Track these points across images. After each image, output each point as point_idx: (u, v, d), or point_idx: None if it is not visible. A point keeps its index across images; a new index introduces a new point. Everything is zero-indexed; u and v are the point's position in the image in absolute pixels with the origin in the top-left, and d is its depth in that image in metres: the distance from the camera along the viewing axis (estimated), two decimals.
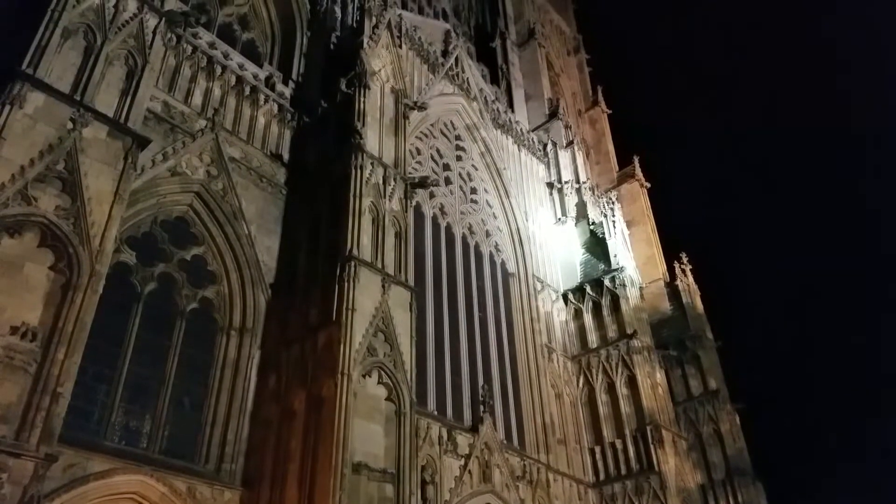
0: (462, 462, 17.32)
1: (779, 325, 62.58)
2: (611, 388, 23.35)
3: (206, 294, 15.34)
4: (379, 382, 14.27)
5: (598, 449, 22.41)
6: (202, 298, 15.24)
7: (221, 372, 14.65)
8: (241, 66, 18.52)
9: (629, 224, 29.46)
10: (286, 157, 18.36)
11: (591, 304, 25.31)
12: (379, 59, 19.77)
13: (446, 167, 24.71)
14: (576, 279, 26.35)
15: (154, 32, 14.12)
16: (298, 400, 13.98)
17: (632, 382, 23.09)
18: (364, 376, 13.94)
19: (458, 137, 26.05)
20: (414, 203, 19.30)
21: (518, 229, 25.94)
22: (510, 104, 31.70)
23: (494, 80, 32.08)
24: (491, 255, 24.63)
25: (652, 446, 21.50)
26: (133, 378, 13.23)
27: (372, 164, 17.20)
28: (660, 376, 24.24)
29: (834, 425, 53.76)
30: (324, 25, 21.67)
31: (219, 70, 17.79)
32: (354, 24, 21.25)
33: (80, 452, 11.41)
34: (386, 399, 14.23)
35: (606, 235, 26.60)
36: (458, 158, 25.61)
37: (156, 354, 13.88)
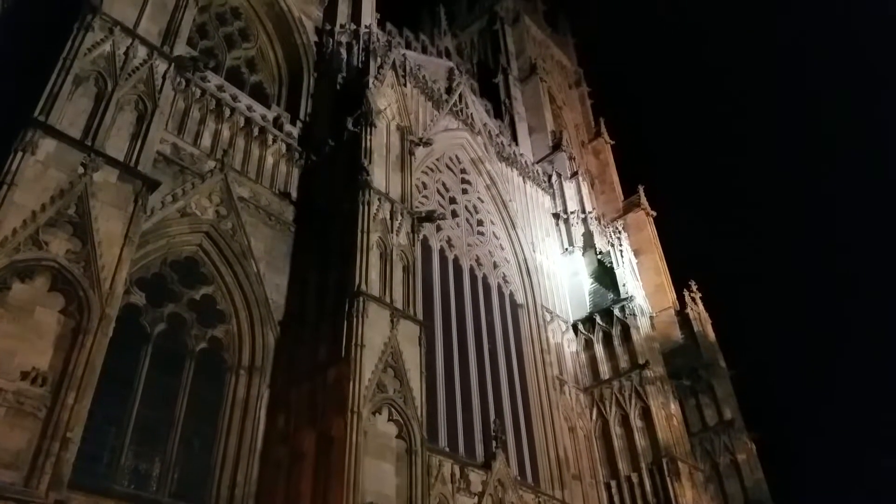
0: (475, 500, 16.98)
1: (793, 350, 61.74)
2: (625, 421, 23.00)
3: (215, 333, 15.25)
4: (389, 420, 14.07)
5: (613, 483, 21.95)
6: (211, 338, 15.15)
7: (231, 412, 14.48)
8: (249, 108, 18.76)
9: (637, 253, 29.44)
10: (294, 195, 18.49)
11: (601, 334, 25.16)
12: (384, 98, 20.06)
13: (452, 200, 24.89)
14: (585, 309, 26.26)
15: (164, 77, 14.26)
16: (308, 440, 13.77)
17: (646, 414, 22.77)
18: (374, 414, 13.76)
19: (463, 171, 26.29)
20: (421, 237, 19.35)
21: (525, 260, 25.98)
22: (514, 137, 32.05)
23: (498, 115, 32.47)
24: (499, 287, 24.59)
25: (668, 479, 21.07)
26: (142, 420, 13.07)
27: (379, 199, 17.29)
28: (674, 407, 23.92)
29: (853, 454, 52.51)
30: (330, 67, 21.99)
31: (227, 112, 18.00)
32: (360, 65, 21.57)
33: (89, 498, 11.19)
34: (396, 437, 14.01)
35: (614, 264, 26.58)
36: (464, 192, 25.81)
37: (165, 395, 13.73)
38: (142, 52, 14.14)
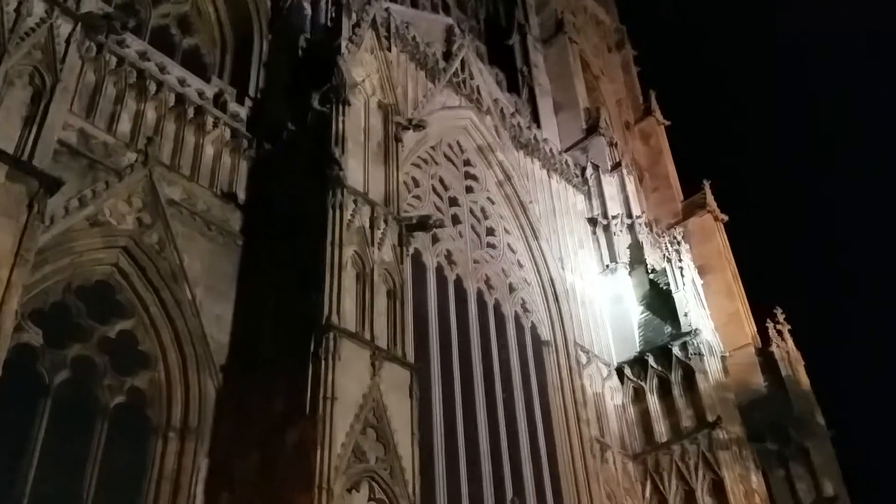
0: None
1: None
2: (689, 498, 22.91)
3: (136, 383, 15.28)
4: (370, 499, 14.05)
5: None
6: (131, 389, 15.18)
7: (157, 488, 14.43)
8: (181, 82, 18.94)
9: (702, 270, 29.40)
10: (242, 196, 18.68)
11: (655, 381, 25.18)
12: (362, 67, 20.26)
13: (453, 202, 25.05)
14: (634, 347, 26.31)
15: (67, 42, 14.42)
16: None
17: (718, 489, 22.68)
18: (350, 491, 13.73)
19: (467, 163, 26.48)
20: (411, 251, 19.54)
21: (552, 281, 26.11)
22: (535, 117, 32.26)
23: (513, 88, 32.73)
24: (516, 317, 24.70)
25: None
26: (39, 499, 13.06)
27: (355, 201, 17.46)
28: (755, 480, 23.84)
29: None
30: (289, 26, 22.29)
31: (153, 87, 18.17)
32: (329, 24, 21.88)
33: None
34: None
35: (672, 286, 26.64)
36: (469, 190, 25.99)
37: (69, 466, 13.72)
38: (39, 8, 14.30)
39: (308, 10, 22.80)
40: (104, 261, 15.80)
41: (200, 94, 19.21)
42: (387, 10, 23.82)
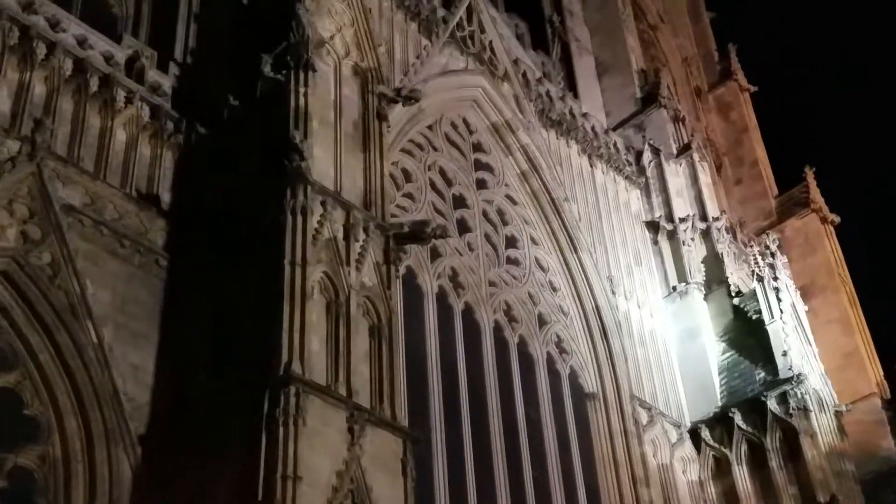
0: None
1: None
2: None
3: (20, 461, 15.07)
4: None
5: None
6: (15, 470, 14.93)
7: None
8: (81, 42, 18.99)
9: (807, 292, 29.38)
10: (167, 199, 18.75)
11: (745, 447, 25.21)
12: (330, 18, 20.34)
13: (459, 202, 25.12)
14: (713, 401, 26.37)
15: None
16: None
17: None
18: None
19: (478, 147, 26.58)
20: (402, 271, 19.59)
21: (598, 310, 26.16)
22: (570, 84, 32.50)
23: (540, 44, 32.94)
24: (549, 361, 24.75)
25: None
26: None
27: (324, 203, 17.52)
28: None
29: None
30: None
31: (41, 50, 18.11)
32: None
33: None
34: None
35: (765, 315, 26.67)
36: (481, 185, 26.09)
37: None
38: None
39: None
40: None
41: (108, 59, 19.20)
42: None
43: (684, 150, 31.52)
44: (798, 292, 28.15)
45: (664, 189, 30.41)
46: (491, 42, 27.83)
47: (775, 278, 27.11)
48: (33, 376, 15.76)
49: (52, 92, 18.09)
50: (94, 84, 18.68)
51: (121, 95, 18.95)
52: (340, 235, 17.48)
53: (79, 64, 18.63)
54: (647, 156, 31.02)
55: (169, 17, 21.98)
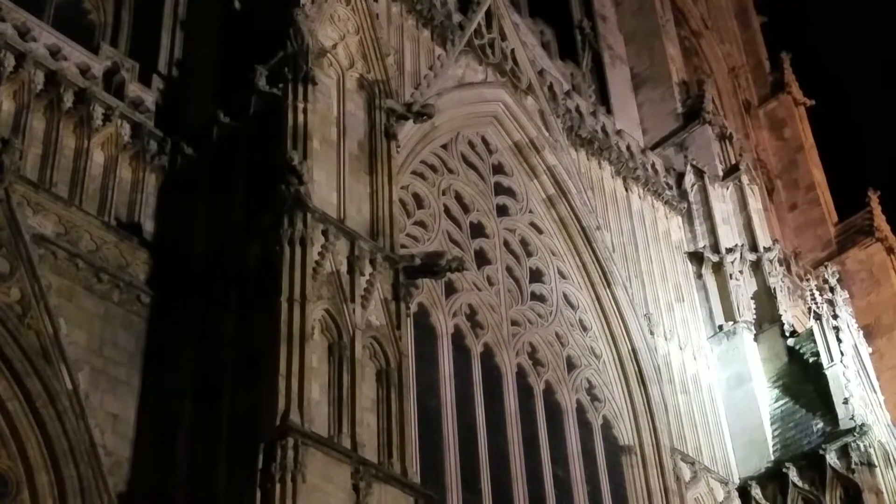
0: None
1: None
2: None
3: None
4: None
5: None
6: None
7: None
8: (54, 53, 19.06)
9: (871, 332, 29.16)
10: (149, 228, 18.79)
11: None
12: (333, 26, 20.37)
13: (478, 230, 25.05)
14: (766, 455, 26.21)
15: None
16: None
17: None
18: None
19: (498, 169, 26.58)
20: (414, 308, 19.56)
21: (634, 352, 26.12)
22: (603, 98, 32.45)
23: (569, 53, 32.91)
24: (580, 409, 24.63)
25: None
26: None
27: (325, 233, 17.47)
28: None
29: None
30: None
31: (10, 61, 18.11)
32: None
33: None
34: None
35: (823, 358, 26.45)
36: (502, 212, 26.02)
37: None
38: None
39: None
40: None
41: (84, 72, 19.23)
42: None
43: (731, 171, 31.47)
44: (861, 332, 27.87)
45: (709, 216, 30.39)
46: (513, 51, 27.86)
47: (835, 316, 26.87)
48: (0, 427, 15.59)
49: (21, 108, 18.09)
50: (68, 99, 18.68)
51: (98, 112, 18.95)
52: (344, 269, 17.40)
53: (51, 77, 18.62)
54: (689, 178, 31.04)
55: (152, 24, 22.09)
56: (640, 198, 29.68)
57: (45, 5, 21.02)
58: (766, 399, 27.10)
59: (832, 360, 26.11)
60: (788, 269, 30.78)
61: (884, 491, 24.26)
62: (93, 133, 18.82)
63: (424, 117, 22.30)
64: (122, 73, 19.84)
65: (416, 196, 23.54)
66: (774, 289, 28.92)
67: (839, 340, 26.31)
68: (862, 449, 24.52)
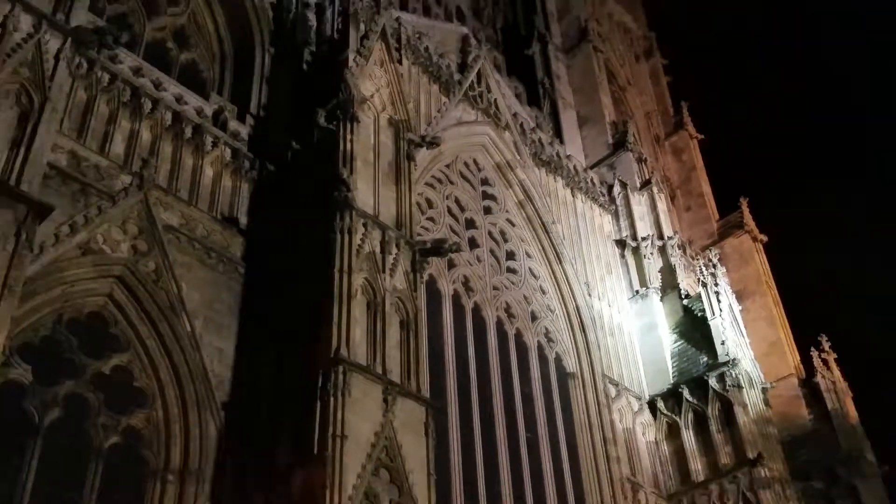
0: None
1: None
2: None
3: (132, 422, 15.25)
4: None
5: None
6: (126, 429, 15.13)
7: None
8: (178, 99, 19.03)
9: (740, 296, 29.38)
10: (244, 221, 18.72)
11: (691, 415, 25.06)
12: (371, 81, 20.36)
13: (470, 224, 25.13)
14: (667, 379, 26.22)
15: (57, 58, 14.47)
16: None
17: None
18: None
19: (485, 181, 26.58)
20: (426, 277, 19.55)
21: (577, 309, 26.10)
22: (557, 132, 32.37)
23: (534, 101, 32.89)
24: (539, 347, 24.69)
25: None
26: None
27: (365, 225, 17.50)
28: None
29: None
30: (293, 38, 22.45)
31: (148, 105, 18.22)
32: (335, 35, 21.97)
33: None
34: None
35: (708, 313, 26.54)
36: (488, 211, 26.08)
37: None
38: (25, 22, 14.38)
39: (313, 22, 22.91)
40: (97, 291, 15.81)
41: (199, 112, 19.27)
42: (397, 19, 23.95)
43: (646, 184, 31.41)
44: (733, 295, 28.07)
45: (630, 215, 30.24)
46: (495, 99, 27.90)
47: (716, 284, 27.00)
48: (142, 357, 15.93)
49: (155, 138, 18.18)
50: (188, 131, 18.75)
51: (209, 140, 19.01)
52: (378, 250, 17.48)
53: (176, 116, 18.71)
54: (616, 188, 30.89)
55: (246, 79, 22.00)
56: (582, 202, 29.65)
57: (172, 67, 21.08)
58: (668, 341, 27.21)
59: (714, 315, 26.20)
60: (684, 252, 30.88)
61: (748, 405, 24.51)
62: (205, 155, 18.90)
63: (434, 145, 22.56)
64: (226, 113, 19.89)
65: (427, 200, 23.69)
66: (674, 266, 28.97)
67: (719, 301, 26.42)
68: (734, 376, 24.72)
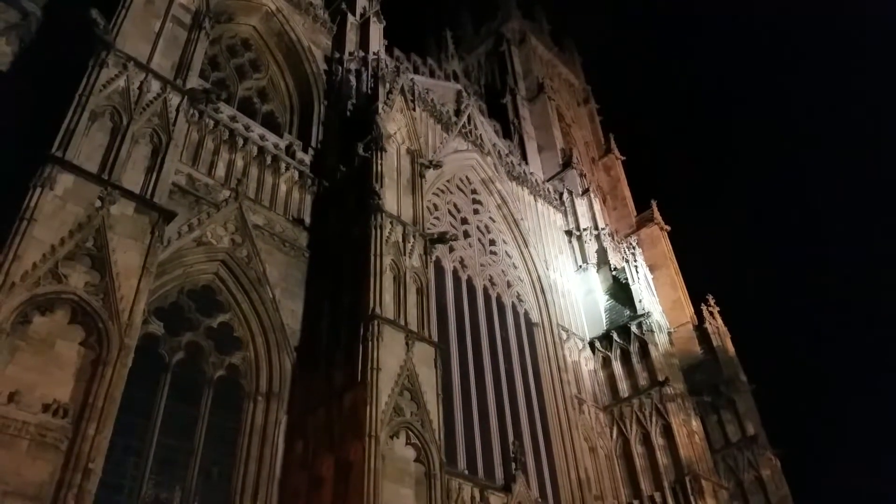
0: None
1: (815, 361, 60.74)
2: (646, 439, 22.74)
3: (232, 360, 15.32)
4: (407, 443, 13.98)
5: (636, 503, 21.61)
6: (229, 365, 15.21)
7: (249, 439, 14.46)
8: (262, 137, 18.97)
9: (652, 268, 29.32)
10: (308, 221, 18.62)
11: (619, 351, 25.00)
12: (394, 123, 20.26)
13: (464, 221, 25.04)
14: (602, 327, 26.13)
15: (177, 110, 14.47)
16: (326, 466, 13.71)
17: (667, 432, 22.55)
18: (392, 437, 13.67)
19: (474, 191, 26.46)
20: (434, 258, 19.43)
21: (539, 278, 25.99)
22: (524, 156, 32.22)
23: (507, 135, 32.72)
24: (513, 306, 24.60)
25: (692, 497, 20.78)
26: (162, 450, 13.11)
27: (391, 222, 17.37)
28: (696, 424, 23.66)
29: (879, 466, 51.38)
30: (340, 94, 22.28)
31: (241, 142, 18.19)
32: (369, 91, 21.85)
33: None
34: (415, 461, 13.89)
35: (630, 280, 26.48)
36: (476, 212, 25.96)
37: (184, 424, 13.78)
38: (155, 86, 14.38)
39: (353, 82, 22.80)
40: (207, 271, 15.87)
41: (276, 146, 19.23)
42: (412, 80, 23.82)
43: (585, 191, 31.29)
44: (647, 268, 28.00)
45: (575, 212, 30.11)
46: (481, 135, 27.78)
47: (635, 261, 27.04)
48: (239, 316, 16.00)
49: (246, 164, 18.13)
50: (268, 159, 18.69)
51: (283, 166, 18.92)
52: (400, 239, 17.32)
53: (260, 149, 18.64)
54: (566, 195, 30.81)
55: (308, 123, 21.80)
56: (541, 205, 29.57)
57: (257, 115, 20.93)
58: (602, 300, 27.16)
59: (634, 282, 26.26)
60: (612, 238, 30.80)
61: (658, 344, 24.58)
62: (280, 176, 18.79)
63: (438, 167, 22.41)
64: (294, 147, 19.79)
65: (434, 204, 23.62)
66: (606, 248, 28.94)
67: (637, 272, 26.49)
68: (648, 324, 24.87)
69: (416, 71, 27.67)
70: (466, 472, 17.86)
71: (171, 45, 15.31)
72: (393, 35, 26.86)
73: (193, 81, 15.53)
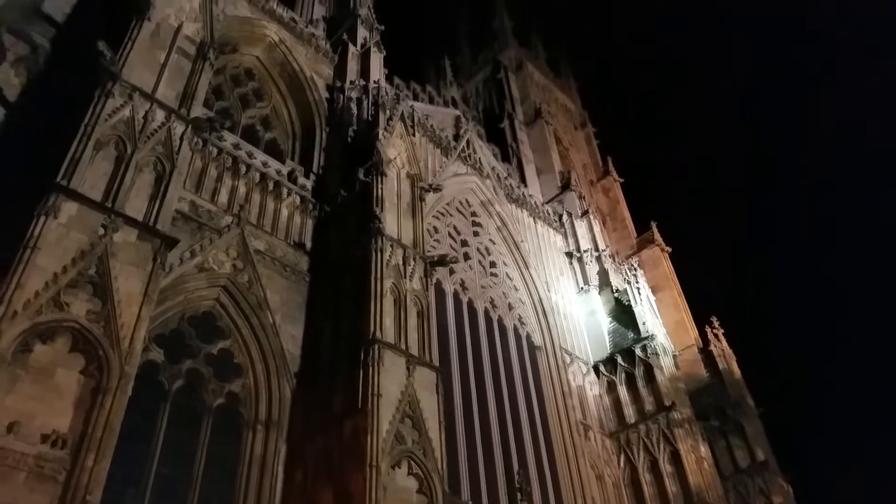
0: None
1: (824, 383, 60.14)
2: (654, 466, 22.50)
3: (232, 388, 15.21)
4: (409, 474, 13.75)
5: None
6: (229, 393, 15.10)
7: (248, 469, 14.28)
8: (264, 164, 19.08)
9: (654, 290, 29.24)
10: (309, 245, 18.61)
11: (624, 375, 24.82)
12: (394, 148, 20.36)
13: (464, 243, 25.10)
14: (605, 350, 25.97)
15: (181, 139, 14.58)
16: (326, 496, 13.46)
17: (675, 458, 22.30)
18: (393, 467, 13.46)
19: (473, 214, 26.56)
20: (434, 281, 19.38)
21: (540, 300, 25.94)
22: (522, 179, 32.39)
23: (506, 158, 32.94)
24: (515, 329, 24.51)
25: None
26: (161, 480, 12.97)
27: (391, 246, 17.33)
28: (704, 450, 23.33)
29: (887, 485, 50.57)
30: (341, 121, 22.48)
31: (243, 169, 18.29)
32: (370, 118, 22.05)
33: None
34: (417, 492, 13.63)
35: (632, 302, 26.37)
36: (476, 234, 26.05)
37: (183, 453, 13.65)
38: (160, 115, 14.53)
39: (354, 110, 23.03)
40: (209, 297, 15.87)
41: (278, 172, 19.32)
42: (411, 106, 24.07)
43: (584, 213, 31.36)
44: (650, 289, 27.98)
45: (574, 234, 30.15)
46: (480, 158, 27.94)
47: (637, 282, 26.98)
48: (239, 341, 15.92)
49: (249, 190, 18.22)
50: (270, 185, 18.76)
51: (285, 191, 19.00)
52: (401, 262, 17.23)
53: (263, 175, 18.74)
54: (565, 217, 30.88)
55: (310, 149, 21.90)
56: (541, 227, 29.62)
57: (260, 142, 21.11)
58: (605, 323, 27.05)
59: (636, 304, 26.16)
60: (613, 260, 30.80)
61: (663, 367, 24.37)
62: (282, 201, 18.86)
63: (437, 191, 22.47)
64: (296, 172, 19.87)
65: (434, 227, 23.68)
66: (607, 269, 28.94)
67: (639, 294, 26.41)
68: (652, 346, 24.73)
69: (415, 98, 27.98)
70: (470, 502, 17.61)
71: (175, 75, 15.49)
72: (393, 63, 27.30)
73: (198, 111, 15.67)
